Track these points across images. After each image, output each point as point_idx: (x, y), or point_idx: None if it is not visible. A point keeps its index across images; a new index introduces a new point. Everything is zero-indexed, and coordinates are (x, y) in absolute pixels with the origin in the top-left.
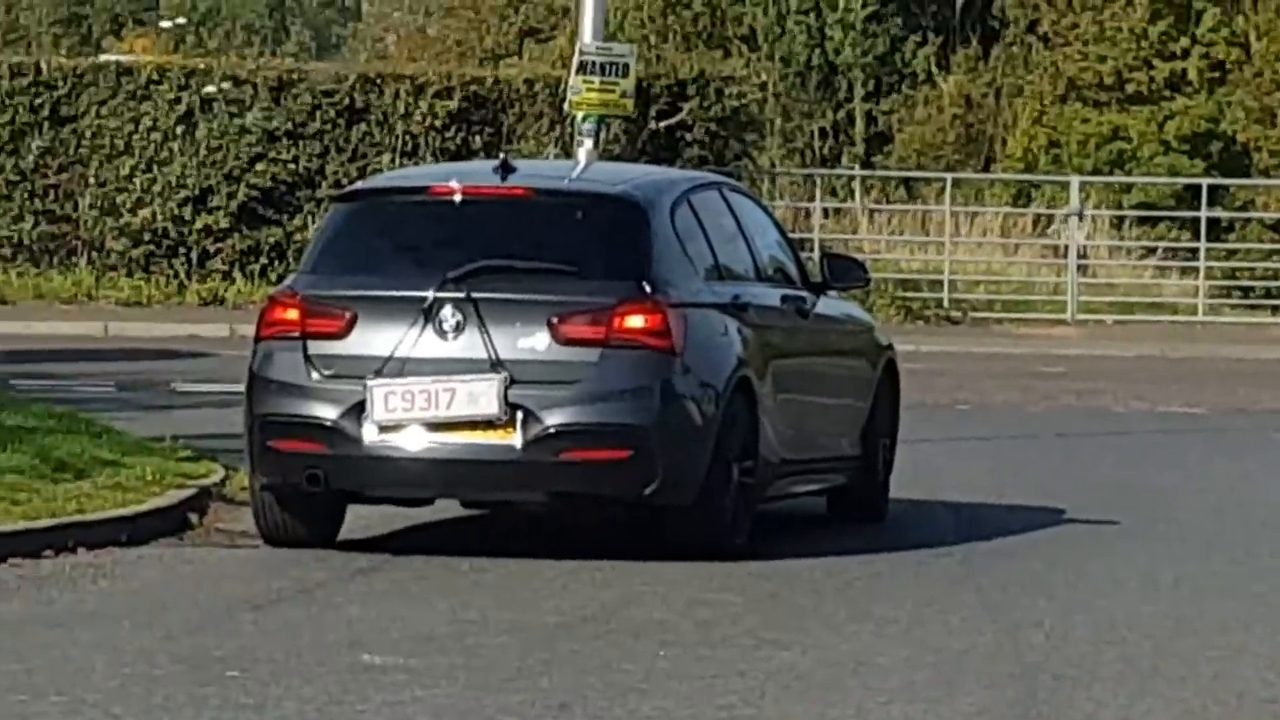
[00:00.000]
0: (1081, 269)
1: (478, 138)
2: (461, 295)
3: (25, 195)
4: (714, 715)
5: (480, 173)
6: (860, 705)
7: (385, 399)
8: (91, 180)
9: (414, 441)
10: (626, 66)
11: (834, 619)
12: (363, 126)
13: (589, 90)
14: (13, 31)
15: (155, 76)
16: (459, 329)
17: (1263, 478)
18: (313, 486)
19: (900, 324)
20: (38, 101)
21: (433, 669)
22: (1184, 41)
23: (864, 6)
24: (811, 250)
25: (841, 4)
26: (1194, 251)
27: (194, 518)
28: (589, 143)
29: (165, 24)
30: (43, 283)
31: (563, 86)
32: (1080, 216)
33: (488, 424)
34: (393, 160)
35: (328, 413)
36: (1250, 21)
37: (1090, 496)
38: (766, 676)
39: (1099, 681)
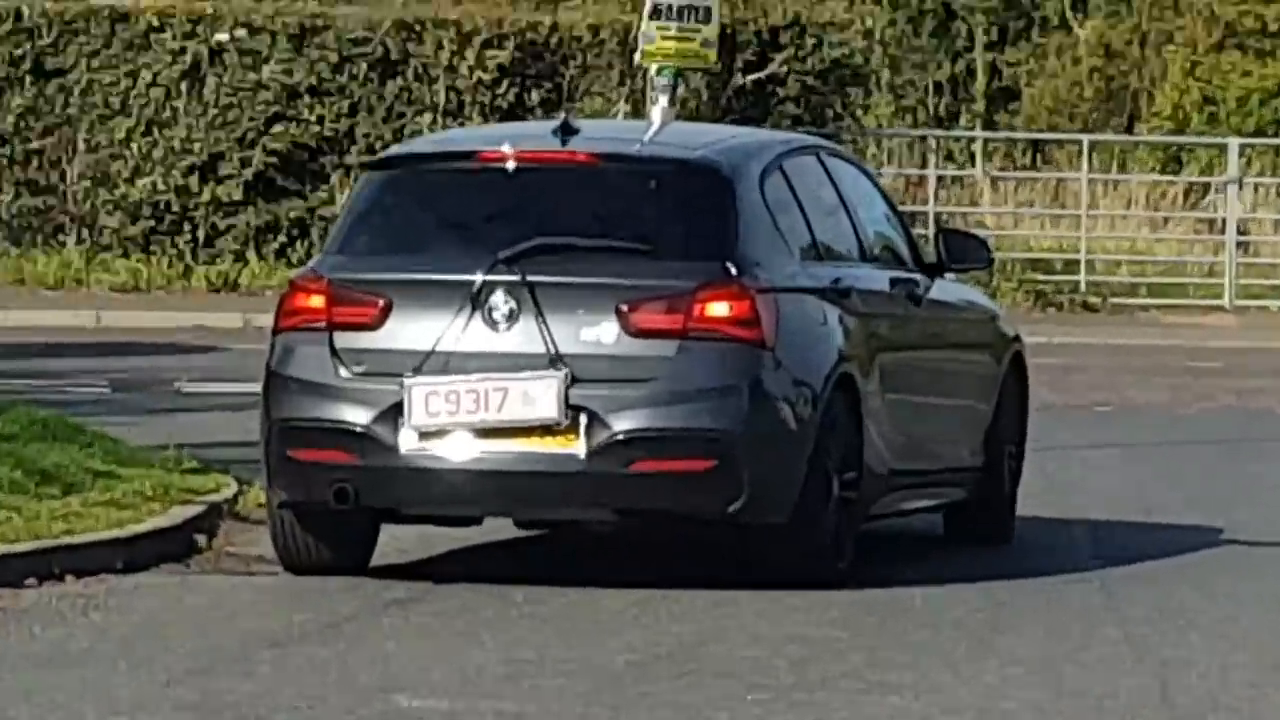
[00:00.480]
0: (1241, 247)
1: (534, 94)
2: (515, 279)
3: (4, 162)
4: None
5: (537, 136)
6: None
7: (426, 400)
8: (81, 145)
9: (459, 450)
10: (708, 11)
11: (952, 657)
12: (399, 81)
13: (664, 39)
14: None
15: (156, 23)
16: (512, 318)
17: None
18: (341, 503)
19: (1029, 311)
20: (18, 52)
21: (481, 717)
22: None
23: None
24: (926, 226)
25: None
26: None
27: (201, 540)
28: (664, 100)
29: None
30: (25, 265)
31: (633, 34)
32: (1240, 185)
33: (546, 429)
34: (434, 121)
35: (358, 417)
36: None
37: (1252, 513)
38: None
39: None
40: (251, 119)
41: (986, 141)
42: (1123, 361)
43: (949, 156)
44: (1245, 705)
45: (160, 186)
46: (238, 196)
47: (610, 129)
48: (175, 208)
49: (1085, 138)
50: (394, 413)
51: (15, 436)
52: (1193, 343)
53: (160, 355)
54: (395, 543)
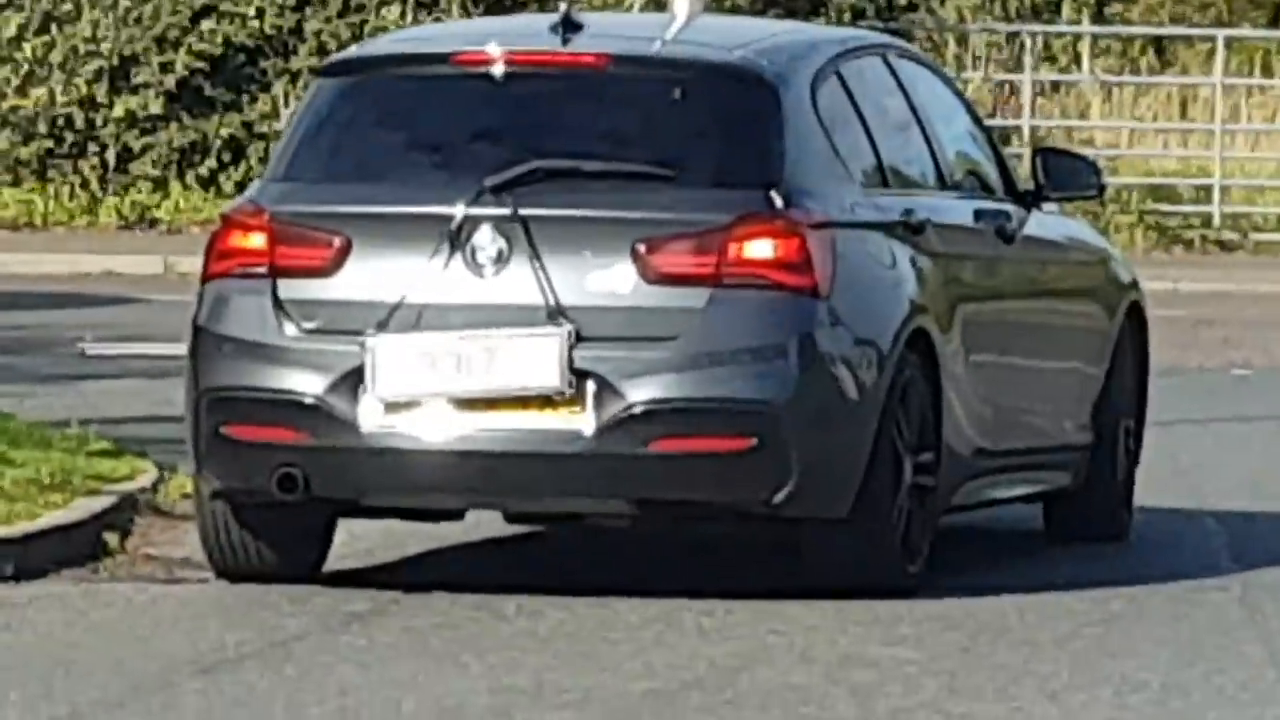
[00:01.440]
0: None
1: None
2: (506, 212)
3: None
4: None
5: (532, 33)
6: None
7: (393, 364)
8: None
9: (436, 427)
10: None
11: (1054, 682)
12: None
13: None
14: None
15: None
16: (501, 260)
17: None
18: (287, 493)
19: (1151, 250)
20: None
21: None
22: None
23: None
24: (1020, 144)
25: None
26: None
27: (113, 539)
28: None
29: None
30: None
31: None
32: None
33: (544, 400)
34: (402, 15)
35: (309, 385)
36: None
37: None
38: None
39: None
40: (174, 13)
41: (1096, 38)
42: (1266, 312)
43: (1049, 58)
44: None
45: (60, 97)
46: (156, 110)
47: (623, 24)
48: (79, 124)
49: (1220, 33)
50: (354, 380)
51: None
52: None
53: (60, 309)
54: (355, 543)
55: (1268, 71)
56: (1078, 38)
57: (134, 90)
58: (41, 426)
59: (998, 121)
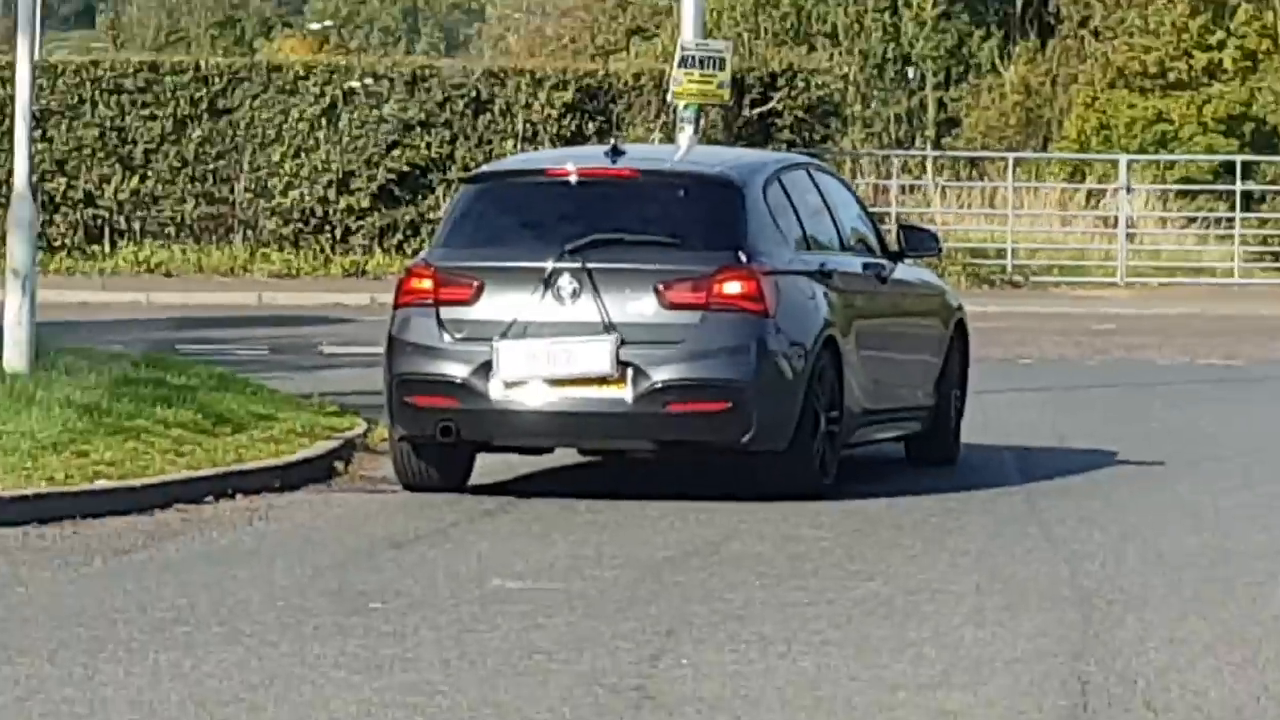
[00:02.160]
0: (1130, 237)
1: (590, 125)
2: (577, 265)
3: (187, 180)
4: (807, 639)
5: (593, 156)
6: (936, 629)
7: (510, 358)
8: (246, 166)
9: (536, 396)
10: (723, 60)
11: (912, 551)
12: (488, 116)
13: (689, 81)
14: (174, 33)
15: (302, 73)
16: (575, 295)
17: None
18: (446, 438)
19: (969, 288)
20: (197, 96)
21: (553, 599)
22: (1220, 34)
23: (934, 5)
24: (889, 222)
25: (915, 2)
26: (1230, 221)
27: (340, 466)
28: (690, 129)
29: (312, 26)
30: (203, 257)
31: (666, 79)
32: (1128, 190)
33: (601, 380)
34: (515, 146)
35: (459, 371)
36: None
37: (1139, 440)
38: (853, 604)
39: (1148, 606)
40: (376, 145)
41: (935, 159)
42: (1040, 325)
43: (906, 170)
44: (1135, 586)
45: (306, 197)
46: (365, 204)
47: (648, 151)
48: (318, 213)
49: (1010, 155)
50: (486, 368)
51: (197, 388)
52: (1093, 310)
53: (307, 326)
54: (487, 467)
55: (1038, 178)
56: (924, 158)
57: (351, 193)
58: (296, 397)
59: (876, 209)
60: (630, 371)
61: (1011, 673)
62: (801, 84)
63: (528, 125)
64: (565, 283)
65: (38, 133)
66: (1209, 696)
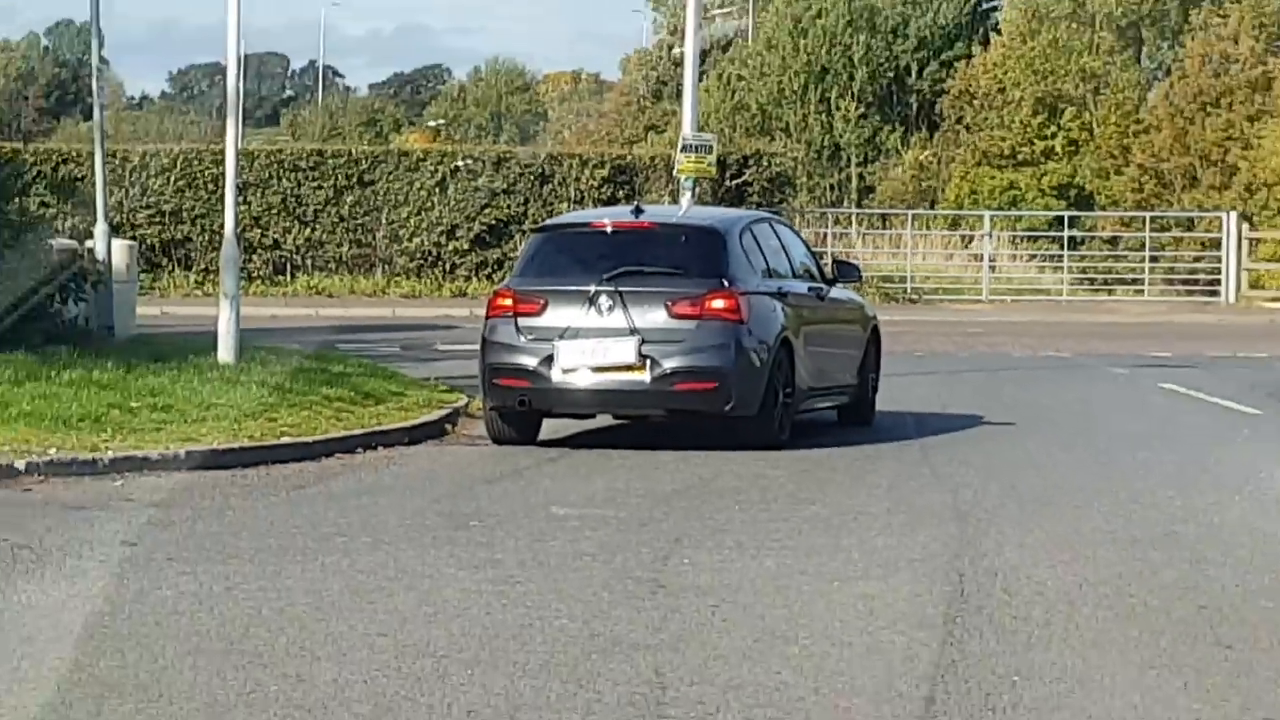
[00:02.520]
0: (991, 268)
1: (620, 192)
2: (612, 288)
3: (344, 231)
4: (769, 545)
5: (622, 213)
6: (859, 538)
7: (566, 353)
8: (383, 221)
9: (584, 379)
10: (711, 147)
11: (842, 485)
12: (550, 186)
13: (688, 161)
14: (334, 130)
15: (422, 156)
16: (610, 309)
17: (1105, 395)
18: (522, 408)
19: (881, 303)
20: (349, 173)
21: (596, 518)
22: (1053, 128)
23: (856, 109)
24: (826, 259)
25: (843, 106)
26: (1060, 257)
27: (449, 427)
28: (689, 194)
29: (430, 124)
30: (354, 283)
31: (672, 159)
32: (990, 236)
33: (628, 367)
34: (568, 206)
35: (530, 362)
36: (1094, 115)
37: (999, 408)
38: (801, 521)
39: (1006, 521)
40: (473, 207)
41: (858, 215)
42: (930, 329)
43: (837, 223)
44: (995, 509)
45: (426, 242)
46: (466, 247)
47: (661, 209)
48: (434, 253)
49: (909, 212)
50: (549, 360)
51: (351, 374)
52: (966, 319)
53: (426, 331)
54: (551, 428)
55: (929, 228)
56: (850, 214)
57: (456, 239)
58: (419, 380)
59: (816, 249)
60: (648, 361)
61: (911, 568)
62: (765, 163)
63: (577, 192)
64: (603, 301)
65: (240, 198)
66: (1046, 584)
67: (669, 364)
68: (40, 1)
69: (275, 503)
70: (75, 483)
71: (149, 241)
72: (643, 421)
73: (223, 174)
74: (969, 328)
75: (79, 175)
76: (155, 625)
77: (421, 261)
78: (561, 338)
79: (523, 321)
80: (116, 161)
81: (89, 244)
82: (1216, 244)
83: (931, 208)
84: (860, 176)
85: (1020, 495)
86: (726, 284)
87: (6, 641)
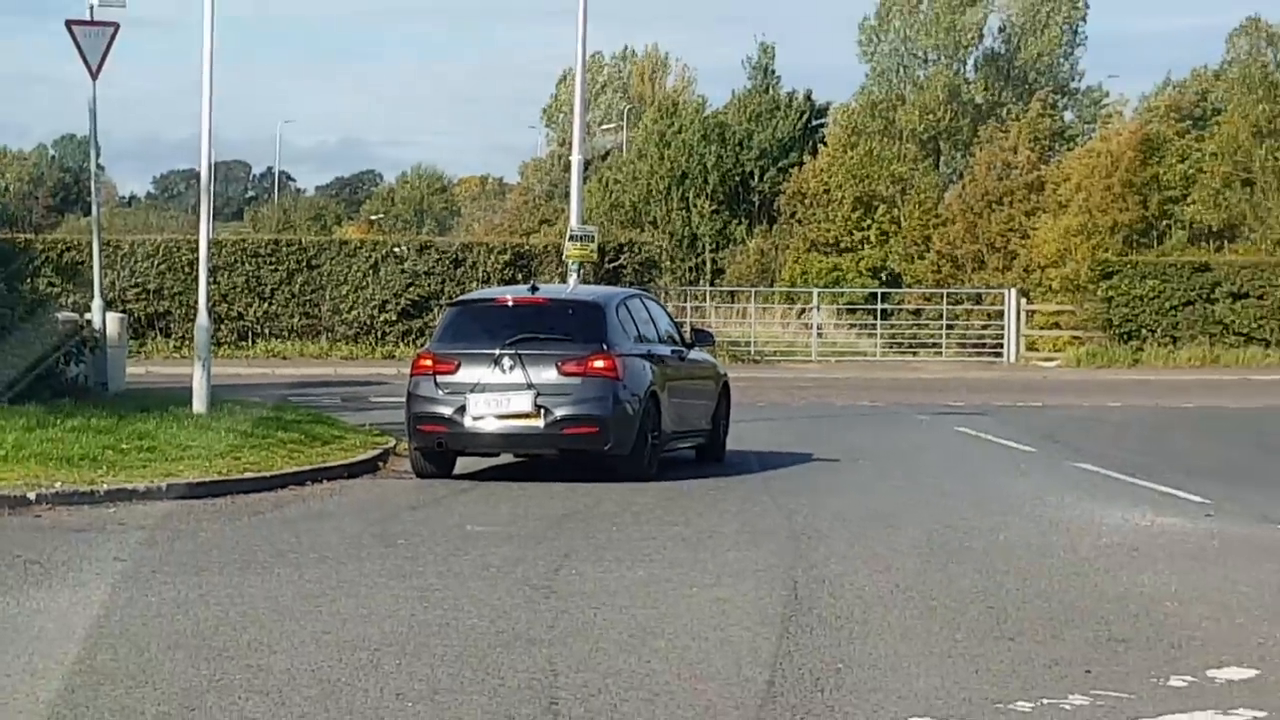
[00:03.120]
0: (819, 334)
1: (521, 273)
2: (513, 351)
3: (295, 305)
4: (641, 559)
5: (522, 291)
6: (714, 552)
7: (476, 403)
8: (327, 297)
9: (491, 425)
10: (593, 236)
11: (699, 510)
12: (462, 268)
13: (575, 249)
14: (288, 223)
15: (359, 244)
16: (512, 368)
17: (911, 437)
18: (439, 449)
19: (730, 363)
20: (300, 258)
21: (501, 536)
22: (868, 221)
23: (710, 205)
24: (686, 327)
25: (699, 204)
26: (874, 325)
27: (381, 464)
28: (575, 275)
29: (372, 217)
30: (303, 347)
31: (562, 247)
32: (818, 308)
33: (526, 415)
34: (477, 285)
35: (447, 411)
36: (901, 211)
37: (825, 447)
38: (667, 539)
39: (832, 538)
40: (400, 285)
41: (711, 292)
42: (769, 384)
43: (695, 298)
44: (824, 528)
45: (362, 314)
46: (394, 318)
47: (554, 288)
48: (368, 324)
49: (753, 289)
50: (462, 409)
51: (302, 421)
52: (797, 376)
53: (362, 386)
54: (464, 465)
55: (769, 302)
56: (705, 292)
57: (386, 312)
58: (357, 427)
59: (678, 319)
60: (543, 410)
61: (755, 577)
62: (636, 250)
63: (484, 273)
64: (506, 361)
65: (211, 279)
66: (865, 589)
67: (559, 412)
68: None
69: (240, 526)
70: (76, 510)
71: (136, 314)
72: (538, 459)
73: (197, 259)
74: (800, 383)
75: (79, 260)
76: (142, 626)
77: (358, 329)
78: (472, 391)
79: (440, 378)
80: (110, 249)
81: (88, 316)
82: (1000, 315)
83: (771, 285)
84: (713, 260)
85: (844, 517)
86: (606, 347)
87: (20, 639)
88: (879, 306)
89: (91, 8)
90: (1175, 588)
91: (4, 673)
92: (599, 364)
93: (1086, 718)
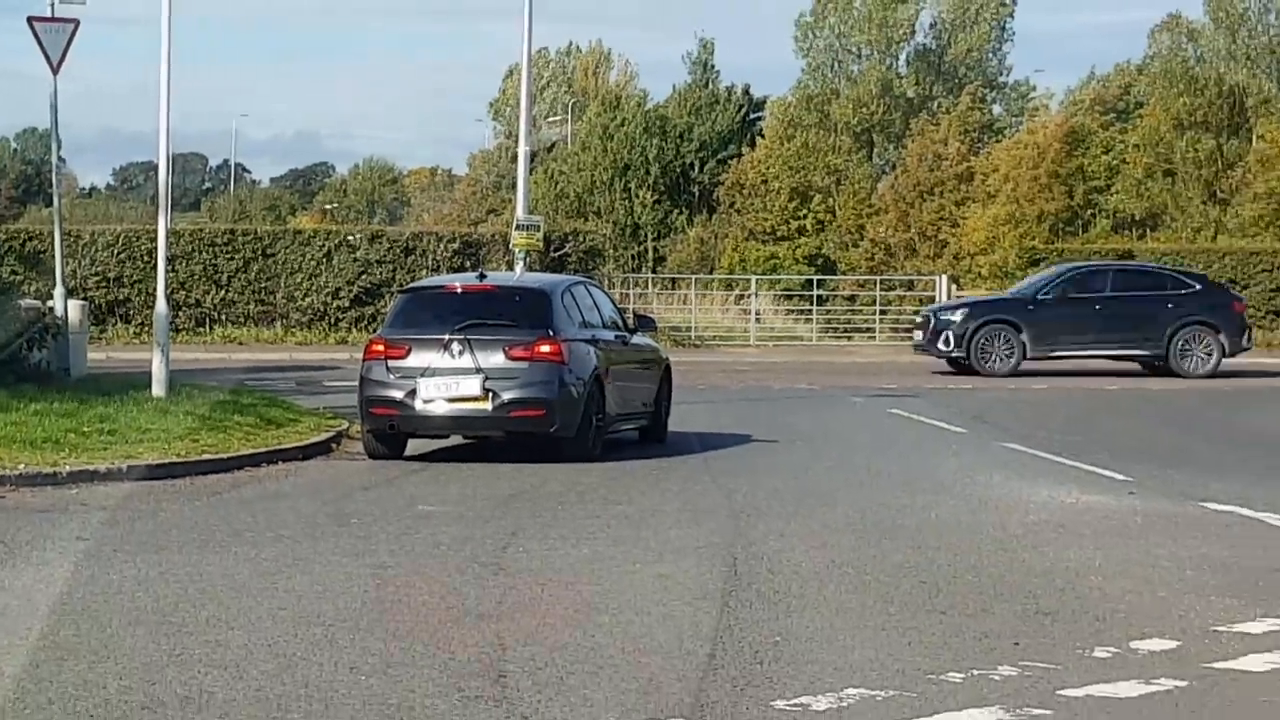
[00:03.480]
0: (757, 320)
1: (469, 261)
2: (462, 337)
3: (251, 292)
4: (585, 537)
5: (470, 278)
6: (656, 530)
7: (426, 387)
8: (282, 285)
9: (440, 408)
10: (539, 225)
11: (642, 489)
12: (413, 257)
13: (521, 238)
14: (243, 214)
15: (313, 234)
16: (460, 353)
17: (846, 419)
18: (391, 431)
19: (672, 347)
20: (255, 247)
21: (451, 515)
22: (804, 211)
23: (652, 196)
24: (630, 313)
25: (640, 195)
26: (810, 311)
27: (334, 446)
28: (521, 263)
29: (326, 207)
30: (259, 334)
31: (509, 236)
32: (755, 295)
33: (475, 399)
34: (427, 273)
35: (398, 395)
36: (836, 201)
37: (764, 428)
38: (611, 517)
39: (770, 516)
40: (352, 272)
41: (653, 279)
42: (709, 367)
43: (638, 285)
44: (762, 506)
45: (316, 301)
46: (347, 304)
47: (502, 275)
48: (322, 310)
49: (694, 276)
50: (413, 393)
51: (257, 405)
52: (737, 360)
53: (317, 371)
54: (414, 446)
55: (709, 289)
56: (648, 279)
57: (339, 298)
58: (311, 410)
59: (622, 305)
60: (490, 394)
61: (696, 553)
62: (581, 239)
63: (434, 261)
64: (455, 346)
65: (169, 268)
66: (802, 565)
67: (507, 395)
68: (9, 112)
69: (198, 506)
70: (40, 492)
71: (97, 301)
72: (486, 440)
73: (155, 249)
74: (739, 367)
75: (41, 250)
76: (104, 603)
77: (312, 316)
78: (422, 375)
79: (392, 363)
80: (71, 239)
81: (50, 303)
82: (932, 300)
83: (710, 273)
84: (655, 249)
85: (781, 496)
86: (551, 333)
87: None
88: (815, 293)
89: (53, 5)
90: (1100, 563)
91: None
92: (545, 349)
93: (1015, 688)
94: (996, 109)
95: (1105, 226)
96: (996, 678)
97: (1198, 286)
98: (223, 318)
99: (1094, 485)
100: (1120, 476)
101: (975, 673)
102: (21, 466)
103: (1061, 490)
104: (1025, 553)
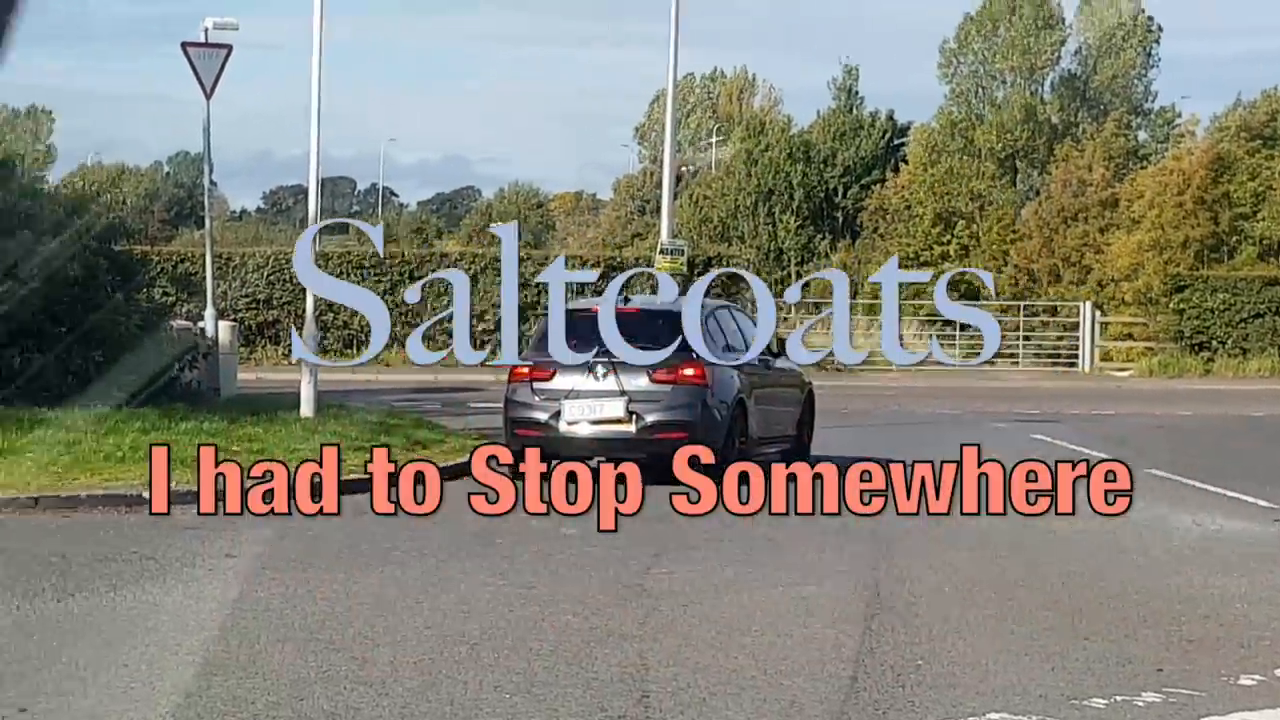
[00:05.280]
0: (901, 344)
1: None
2: (606, 360)
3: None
4: (729, 558)
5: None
6: (798, 552)
7: (571, 409)
8: (428, 306)
9: (584, 430)
10: (683, 250)
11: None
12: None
13: (665, 262)
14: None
15: (459, 257)
16: (605, 376)
17: (989, 443)
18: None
19: (815, 373)
20: (402, 270)
21: (598, 538)
22: (948, 236)
23: (795, 221)
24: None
25: (784, 220)
26: (954, 336)
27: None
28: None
29: (492, 228)
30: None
31: (654, 260)
32: (900, 320)
33: (619, 421)
34: (572, 296)
35: (543, 416)
36: (980, 226)
37: (906, 453)
38: (751, 541)
39: (913, 537)
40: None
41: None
42: (852, 392)
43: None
44: (906, 528)
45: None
46: (492, 328)
47: (646, 299)
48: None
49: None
50: (558, 415)
51: (404, 425)
52: (881, 384)
53: (461, 392)
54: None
55: (854, 314)
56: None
57: (485, 320)
58: (457, 431)
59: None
60: (634, 416)
61: (838, 576)
62: (725, 263)
63: (578, 285)
64: (599, 369)
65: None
66: (944, 588)
67: (650, 418)
68: (163, 137)
69: (345, 524)
70: (189, 509)
71: (247, 323)
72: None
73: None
74: (884, 391)
75: (193, 272)
76: (252, 619)
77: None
78: (567, 397)
79: (536, 385)
80: (222, 261)
81: (201, 324)
82: (1075, 326)
83: (854, 298)
84: (798, 274)
85: (924, 519)
86: (696, 356)
87: (138, 632)
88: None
89: (206, 31)
90: (1244, 589)
91: (123, 663)
92: (689, 372)
93: (1159, 714)
94: (1141, 135)
95: (1251, 253)
96: (1140, 704)
97: None
98: (370, 340)
99: (1238, 512)
100: (1265, 503)
101: (1119, 699)
102: (172, 484)
103: (1205, 516)
104: (1169, 579)
